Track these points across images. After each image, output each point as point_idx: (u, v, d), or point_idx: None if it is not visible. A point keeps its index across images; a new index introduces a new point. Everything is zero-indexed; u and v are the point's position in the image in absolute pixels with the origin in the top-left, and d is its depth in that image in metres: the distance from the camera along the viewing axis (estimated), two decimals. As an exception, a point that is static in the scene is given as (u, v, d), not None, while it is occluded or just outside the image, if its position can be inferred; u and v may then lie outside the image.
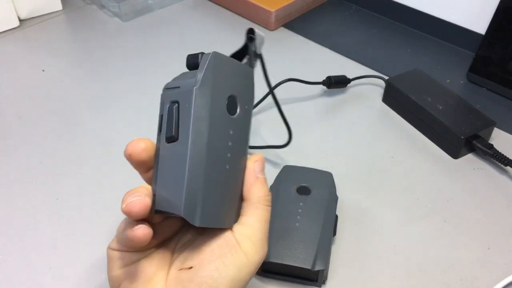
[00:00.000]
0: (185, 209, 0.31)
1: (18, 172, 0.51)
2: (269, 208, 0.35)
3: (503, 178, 0.52)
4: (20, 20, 0.73)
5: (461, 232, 0.46)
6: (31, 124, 0.57)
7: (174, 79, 0.33)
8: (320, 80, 0.61)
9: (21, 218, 0.47)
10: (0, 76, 0.64)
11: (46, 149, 0.54)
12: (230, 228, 0.33)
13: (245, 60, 0.38)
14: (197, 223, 0.31)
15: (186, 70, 0.33)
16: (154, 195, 0.32)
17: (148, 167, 0.33)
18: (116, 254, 0.34)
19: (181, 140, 0.31)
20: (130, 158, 0.33)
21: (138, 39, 0.72)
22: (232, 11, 0.78)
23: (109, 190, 0.49)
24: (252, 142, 0.42)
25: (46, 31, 0.72)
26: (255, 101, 0.47)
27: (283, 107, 0.48)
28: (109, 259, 0.34)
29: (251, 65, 0.39)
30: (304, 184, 0.46)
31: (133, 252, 0.33)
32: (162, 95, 0.33)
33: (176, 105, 0.32)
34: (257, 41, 0.39)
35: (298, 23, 0.75)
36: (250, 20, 0.75)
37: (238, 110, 0.33)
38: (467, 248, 0.45)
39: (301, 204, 0.44)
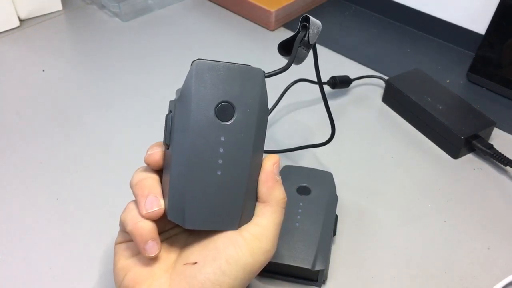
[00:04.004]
0: (169, 212, 0.33)
1: (18, 172, 0.51)
2: (285, 210, 0.35)
3: (503, 178, 0.52)
4: (20, 20, 0.73)
5: (461, 232, 0.46)
6: (31, 124, 0.57)
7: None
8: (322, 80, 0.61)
9: (21, 218, 0.47)
10: (0, 76, 0.64)
11: (46, 149, 0.54)
12: (234, 229, 0.33)
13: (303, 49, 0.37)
14: (186, 225, 0.33)
15: (186, 70, 0.34)
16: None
17: None
18: (122, 245, 0.35)
19: (170, 148, 0.33)
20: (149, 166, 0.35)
21: (138, 39, 0.72)
22: (232, 11, 0.78)
23: (109, 190, 0.49)
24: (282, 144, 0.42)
25: (46, 31, 0.72)
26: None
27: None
28: (115, 253, 0.35)
29: (295, 56, 0.37)
30: (304, 184, 0.46)
31: None
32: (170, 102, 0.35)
33: (171, 114, 0.33)
34: (311, 30, 0.37)
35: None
36: (250, 20, 0.75)
37: (235, 116, 0.33)
38: (467, 248, 0.45)
39: (301, 204, 0.44)
